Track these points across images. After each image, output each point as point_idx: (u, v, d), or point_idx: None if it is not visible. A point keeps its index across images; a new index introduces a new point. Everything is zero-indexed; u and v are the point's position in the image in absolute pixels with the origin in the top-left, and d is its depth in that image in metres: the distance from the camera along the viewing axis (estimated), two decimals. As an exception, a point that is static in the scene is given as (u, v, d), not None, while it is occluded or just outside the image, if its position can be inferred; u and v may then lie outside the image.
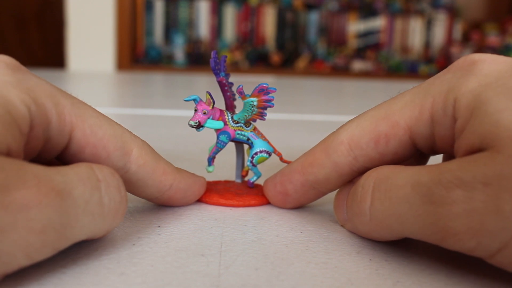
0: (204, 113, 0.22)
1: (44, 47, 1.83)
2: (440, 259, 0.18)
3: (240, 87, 0.22)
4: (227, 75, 0.23)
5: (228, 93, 0.24)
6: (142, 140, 0.20)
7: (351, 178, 0.20)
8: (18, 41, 1.83)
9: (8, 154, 0.14)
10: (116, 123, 0.19)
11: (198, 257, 0.17)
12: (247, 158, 0.24)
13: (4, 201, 0.13)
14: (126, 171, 0.19)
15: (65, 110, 0.17)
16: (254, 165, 0.24)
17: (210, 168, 0.24)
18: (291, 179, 0.22)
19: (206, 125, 0.22)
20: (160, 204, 0.23)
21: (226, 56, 0.23)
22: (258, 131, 0.24)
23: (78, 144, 0.18)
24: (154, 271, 0.16)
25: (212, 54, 0.23)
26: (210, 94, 0.22)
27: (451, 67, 0.18)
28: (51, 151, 0.18)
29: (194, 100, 0.22)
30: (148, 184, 0.20)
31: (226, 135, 0.23)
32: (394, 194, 0.16)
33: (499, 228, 0.14)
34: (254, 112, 0.22)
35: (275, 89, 0.22)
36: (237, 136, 0.23)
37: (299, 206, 0.23)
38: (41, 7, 1.81)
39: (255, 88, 0.22)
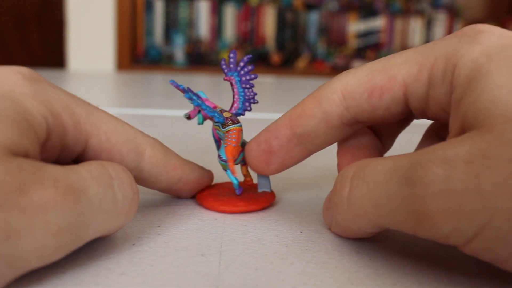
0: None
1: (44, 47, 1.83)
2: (440, 259, 0.18)
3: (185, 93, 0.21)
4: (244, 75, 0.23)
5: (234, 91, 0.24)
6: (153, 138, 0.21)
7: (339, 132, 0.20)
8: (18, 41, 1.83)
9: (26, 157, 0.14)
10: (129, 125, 0.20)
11: (198, 257, 0.17)
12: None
13: (21, 203, 0.12)
14: (140, 171, 0.20)
15: (81, 120, 0.17)
16: (224, 170, 0.23)
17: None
18: (277, 134, 0.21)
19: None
20: (171, 195, 0.24)
21: (250, 57, 0.23)
22: (232, 134, 0.22)
23: (94, 150, 0.18)
24: (154, 271, 0.16)
25: (229, 53, 0.23)
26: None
27: (458, 32, 0.18)
28: (67, 158, 0.18)
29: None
30: (160, 180, 0.21)
31: (212, 132, 0.24)
32: (372, 179, 0.16)
33: (477, 209, 0.13)
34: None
35: (185, 89, 0.21)
36: (218, 135, 0.23)
37: (283, 168, 0.22)
38: (41, 7, 1.81)
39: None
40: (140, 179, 0.21)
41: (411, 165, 0.14)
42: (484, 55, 0.15)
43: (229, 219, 0.21)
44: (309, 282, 0.15)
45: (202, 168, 0.23)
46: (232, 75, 0.23)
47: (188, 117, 0.23)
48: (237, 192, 0.23)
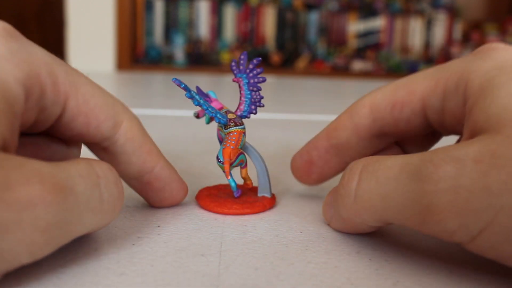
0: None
1: (44, 47, 1.82)
2: (440, 259, 0.18)
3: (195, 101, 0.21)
4: (252, 77, 0.23)
5: (241, 93, 0.24)
6: (133, 113, 0.20)
7: (369, 144, 0.22)
8: (18, 41, 1.83)
9: (4, 145, 0.14)
10: (108, 92, 0.19)
11: (198, 257, 0.17)
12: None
13: (8, 198, 0.12)
14: (114, 142, 0.19)
15: (59, 80, 0.17)
16: (223, 171, 0.22)
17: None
18: (316, 145, 0.23)
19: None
20: (137, 191, 0.22)
21: (260, 59, 0.23)
22: (232, 136, 0.22)
23: (71, 113, 0.18)
24: (154, 271, 0.16)
25: (240, 55, 0.23)
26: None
27: (475, 50, 0.19)
28: (45, 122, 0.18)
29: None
30: (132, 161, 0.20)
31: (217, 133, 0.24)
32: (382, 173, 0.16)
33: (483, 206, 0.13)
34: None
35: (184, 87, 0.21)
36: (222, 136, 0.23)
37: (322, 178, 0.24)
38: (41, 7, 1.81)
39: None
40: (113, 155, 0.20)
41: (422, 162, 0.15)
42: (496, 69, 0.16)
43: (229, 219, 0.21)
44: (309, 282, 0.15)
45: (179, 176, 0.22)
46: (241, 77, 0.23)
47: (197, 116, 0.24)
48: (235, 194, 0.23)
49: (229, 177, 0.22)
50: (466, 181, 0.14)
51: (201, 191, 0.24)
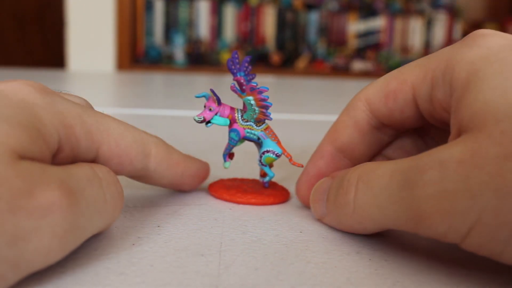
0: (210, 109, 0.23)
1: (44, 47, 1.83)
2: (440, 259, 0.18)
3: (232, 85, 0.22)
4: (248, 75, 0.23)
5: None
6: (156, 137, 0.22)
7: (373, 139, 0.21)
8: (18, 41, 1.83)
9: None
10: (133, 127, 0.20)
11: (197, 257, 0.17)
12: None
13: (29, 206, 0.13)
14: (147, 169, 0.21)
15: (92, 129, 0.18)
16: (263, 165, 0.24)
17: (226, 164, 0.24)
18: (322, 154, 0.22)
19: (213, 121, 0.23)
20: (173, 189, 0.25)
21: (250, 57, 0.23)
22: (270, 131, 0.23)
23: (104, 157, 0.19)
24: (154, 270, 0.16)
25: (232, 54, 0.23)
26: (213, 92, 0.23)
27: (464, 37, 0.18)
28: None
29: (204, 96, 0.23)
30: (164, 175, 0.22)
31: (235, 133, 0.23)
32: (375, 183, 0.17)
33: (467, 208, 0.14)
34: (256, 111, 0.22)
35: (267, 88, 0.22)
36: (247, 134, 0.23)
37: None
38: (41, 7, 1.81)
39: (246, 86, 0.22)
40: (146, 177, 0.21)
41: (409, 169, 0.15)
42: (482, 58, 0.16)
43: (228, 219, 0.21)
44: (309, 282, 0.15)
45: (200, 160, 0.24)
46: (241, 76, 0.23)
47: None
48: (266, 185, 0.25)
49: (295, 163, 0.24)
50: (450, 185, 0.14)
51: (215, 183, 0.25)
